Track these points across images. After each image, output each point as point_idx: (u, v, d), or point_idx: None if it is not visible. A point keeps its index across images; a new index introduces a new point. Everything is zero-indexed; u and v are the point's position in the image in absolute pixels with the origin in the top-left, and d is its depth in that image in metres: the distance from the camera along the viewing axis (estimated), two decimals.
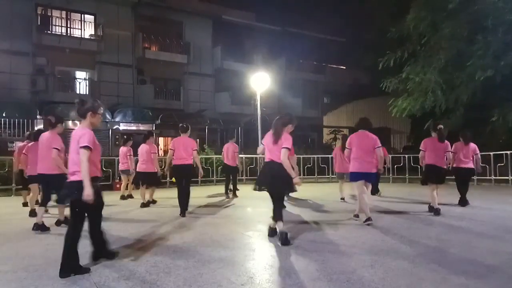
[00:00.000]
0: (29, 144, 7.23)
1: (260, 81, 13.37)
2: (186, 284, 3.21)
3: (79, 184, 3.50)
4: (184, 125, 7.44)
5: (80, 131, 3.70)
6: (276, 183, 4.82)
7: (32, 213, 6.74)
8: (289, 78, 24.73)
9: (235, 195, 9.89)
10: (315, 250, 4.26)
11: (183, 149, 7.02)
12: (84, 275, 3.45)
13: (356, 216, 6.22)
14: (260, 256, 4.14)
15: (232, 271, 3.54)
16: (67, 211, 5.89)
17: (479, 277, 3.35)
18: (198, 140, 20.67)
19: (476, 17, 12.44)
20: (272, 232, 4.99)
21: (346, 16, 29.94)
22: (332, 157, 11.20)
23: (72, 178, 3.65)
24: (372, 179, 6.34)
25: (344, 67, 32.10)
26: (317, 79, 27.26)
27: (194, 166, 7.39)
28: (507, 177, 12.27)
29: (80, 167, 3.54)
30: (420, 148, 7.14)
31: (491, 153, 12.84)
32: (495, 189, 11.85)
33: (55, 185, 5.39)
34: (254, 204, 8.32)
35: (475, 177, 12.99)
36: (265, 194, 5.04)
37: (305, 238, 4.90)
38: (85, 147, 3.55)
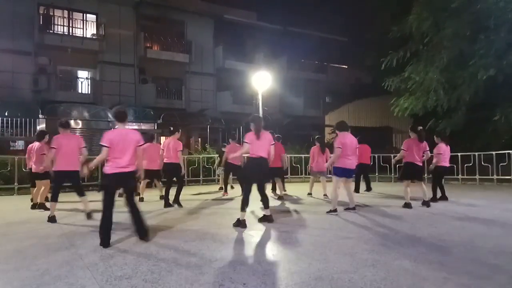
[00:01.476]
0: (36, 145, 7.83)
1: (262, 81, 13.36)
2: (188, 283, 3.21)
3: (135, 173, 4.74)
4: (171, 128, 8.14)
5: (135, 133, 4.80)
6: (265, 176, 5.97)
7: (42, 206, 7.52)
8: (290, 78, 24.71)
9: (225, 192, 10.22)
10: (316, 250, 4.25)
11: (171, 150, 7.79)
12: (86, 275, 3.45)
13: (353, 208, 6.87)
14: (262, 255, 4.13)
15: (234, 270, 3.54)
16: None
17: (482, 277, 3.34)
18: (200, 139, 20.78)
19: (478, 17, 12.42)
20: (267, 219, 5.82)
21: (347, 16, 29.89)
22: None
23: (130, 168, 4.60)
24: (353, 175, 7.34)
25: (346, 67, 32.03)
26: (319, 79, 27.24)
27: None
28: (509, 177, 12.24)
29: (137, 160, 4.75)
30: (403, 148, 7.63)
31: (493, 153, 12.80)
32: (498, 188, 11.83)
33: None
34: (255, 203, 8.32)
35: (477, 176, 13.03)
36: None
37: (306, 238, 4.90)
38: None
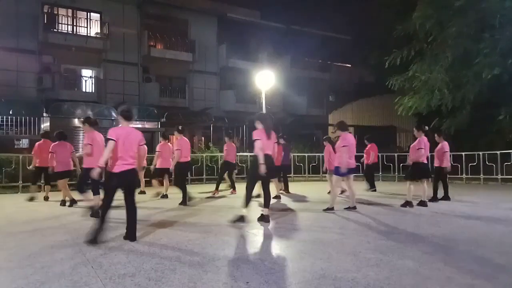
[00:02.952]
0: (54, 144, 8.11)
1: (265, 79, 13.33)
2: (191, 281, 3.21)
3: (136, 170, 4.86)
4: (180, 128, 8.46)
5: (138, 132, 4.87)
6: (271, 174, 6.05)
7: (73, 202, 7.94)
8: (294, 76, 24.67)
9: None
10: (320, 249, 4.25)
11: (188, 148, 8.06)
12: (90, 273, 3.47)
13: (354, 207, 7.01)
14: (265, 254, 4.13)
15: (237, 269, 3.54)
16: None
17: (486, 277, 3.32)
18: (203, 138, 20.80)
19: (483, 15, 12.34)
20: (264, 218, 5.81)
21: (351, 14, 29.84)
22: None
23: (134, 166, 4.71)
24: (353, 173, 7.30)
25: (350, 65, 31.96)
26: (322, 77, 27.16)
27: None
28: None
29: (139, 159, 4.91)
30: (421, 146, 7.41)
31: (498, 152, 12.74)
32: (502, 188, 11.76)
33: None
34: (258, 202, 8.33)
35: (481, 176, 12.96)
36: None
37: (309, 236, 4.90)
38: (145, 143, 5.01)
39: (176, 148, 7.98)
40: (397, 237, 4.81)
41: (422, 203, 7.47)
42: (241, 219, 5.71)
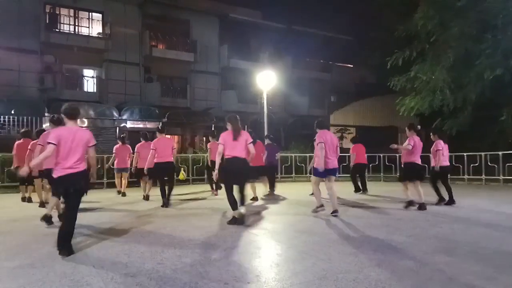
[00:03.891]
0: (33, 142, 7.66)
1: (267, 80, 13.35)
2: (192, 281, 3.22)
3: (86, 173, 4.37)
4: (159, 127, 8.32)
5: (85, 132, 4.45)
6: (245, 176, 5.80)
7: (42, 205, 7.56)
8: (295, 77, 24.66)
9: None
10: (321, 249, 4.25)
11: (166, 148, 7.79)
12: (91, 272, 3.47)
13: (335, 211, 6.45)
14: (266, 255, 4.14)
15: (238, 269, 3.54)
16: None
17: (487, 277, 3.32)
18: (204, 138, 20.81)
19: (485, 16, 12.34)
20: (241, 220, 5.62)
21: (353, 14, 29.76)
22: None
23: (80, 169, 4.24)
24: (336, 174, 6.88)
25: (351, 66, 31.90)
26: (324, 78, 27.15)
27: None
28: None
29: (85, 160, 4.37)
30: (410, 143, 7.27)
31: (500, 153, 12.71)
32: (504, 189, 11.73)
33: None
34: (258, 203, 8.34)
35: (483, 177, 12.94)
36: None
37: (310, 237, 4.89)
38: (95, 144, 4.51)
39: (151, 148, 7.83)
40: (398, 238, 4.80)
41: (421, 206, 7.12)
42: (237, 220, 5.60)
